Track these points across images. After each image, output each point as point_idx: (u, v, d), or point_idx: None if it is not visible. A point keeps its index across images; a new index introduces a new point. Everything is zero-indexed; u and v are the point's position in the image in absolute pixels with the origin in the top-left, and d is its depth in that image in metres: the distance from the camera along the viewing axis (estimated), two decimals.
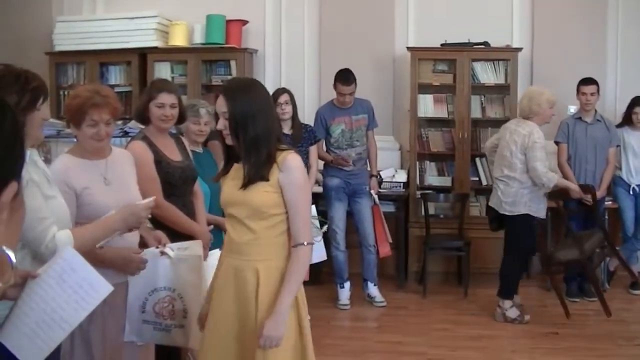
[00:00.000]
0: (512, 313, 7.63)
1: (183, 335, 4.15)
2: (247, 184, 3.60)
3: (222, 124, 3.65)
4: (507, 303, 7.67)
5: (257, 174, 3.58)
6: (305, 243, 3.61)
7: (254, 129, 3.56)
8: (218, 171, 6.50)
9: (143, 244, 4.19)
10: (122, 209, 3.67)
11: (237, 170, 3.72)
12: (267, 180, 3.57)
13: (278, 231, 3.65)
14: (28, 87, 3.21)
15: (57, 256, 2.82)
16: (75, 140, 4.13)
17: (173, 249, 4.11)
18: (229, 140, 3.67)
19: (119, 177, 4.09)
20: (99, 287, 2.83)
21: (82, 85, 4.06)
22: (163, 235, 4.36)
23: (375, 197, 8.60)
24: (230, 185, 3.73)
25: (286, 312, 3.54)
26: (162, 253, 4.11)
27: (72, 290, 2.74)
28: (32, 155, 3.18)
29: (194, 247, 4.22)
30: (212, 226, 5.66)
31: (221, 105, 3.64)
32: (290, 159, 3.60)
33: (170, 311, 4.09)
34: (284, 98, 7.63)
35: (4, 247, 1.06)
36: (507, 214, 7.62)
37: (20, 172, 1.12)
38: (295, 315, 3.64)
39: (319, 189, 8.46)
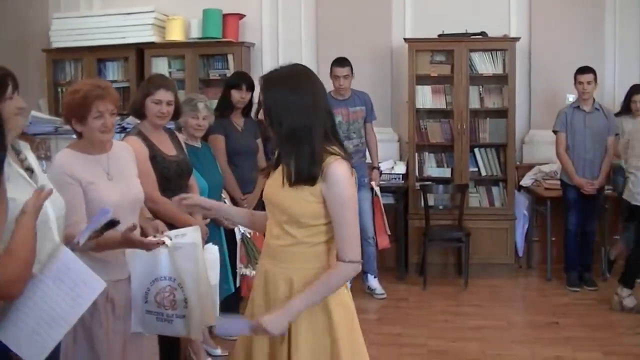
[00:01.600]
0: (630, 302, 7.59)
1: (184, 326, 4.12)
2: (287, 183, 3.29)
3: (262, 114, 3.44)
4: (626, 291, 7.63)
5: (299, 175, 3.26)
6: (347, 260, 3.28)
7: (289, 122, 3.23)
8: (218, 166, 6.56)
9: (142, 234, 4.18)
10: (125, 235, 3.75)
11: (279, 172, 3.42)
12: (312, 185, 3.25)
13: (317, 240, 3.34)
14: None
15: (53, 256, 2.83)
16: (74, 136, 4.10)
17: (171, 236, 4.06)
18: (269, 132, 3.42)
19: (121, 171, 4.10)
20: (93, 284, 2.85)
21: (79, 81, 4.03)
22: (161, 224, 4.37)
23: (376, 189, 8.61)
24: (273, 183, 3.44)
25: (294, 315, 3.26)
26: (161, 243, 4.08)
27: (68, 288, 2.77)
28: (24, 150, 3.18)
29: (192, 233, 4.14)
30: (208, 220, 5.67)
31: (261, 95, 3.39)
32: (335, 167, 3.23)
33: (171, 301, 4.06)
34: None
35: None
36: (638, 204, 7.60)
37: (2, 165, 1.10)
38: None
39: None
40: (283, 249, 3.38)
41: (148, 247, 3.88)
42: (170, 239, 3.99)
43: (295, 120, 3.22)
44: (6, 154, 1.02)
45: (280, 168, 3.40)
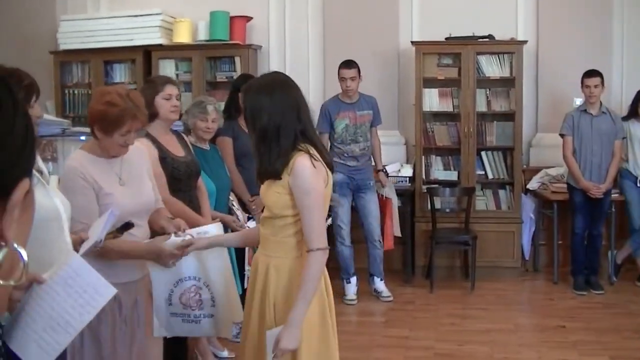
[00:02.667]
0: None
1: (213, 325, 4.12)
2: (259, 179, 3.71)
3: None
4: None
5: (266, 171, 3.62)
6: (315, 249, 3.53)
7: (261, 123, 3.56)
8: (226, 168, 6.57)
9: (163, 234, 4.19)
10: (153, 244, 3.88)
11: None
12: (279, 179, 3.57)
13: (290, 232, 3.64)
14: (21, 84, 3.19)
15: (63, 262, 2.84)
16: (82, 138, 4.12)
17: (193, 234, 4.07)
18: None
19: (133, 176, 4.10)
20: (103, 290, 2.84)
21: (108, 88, 3.98)
22: (183, 222, 4.37)
23: (387, 189, 8.61)
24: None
25: (300, 322, 3.48)
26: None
27: (77, 295, 2.77)
28: None
29: (214, 230, 4.16)
30: (218, 220, 5.67)
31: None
32: (298, 162, 3.54)
33: (197, 301, 4.06)
34: None
35: (16, 245, 1.05)
36: None
37: (32, 169, 1.12)
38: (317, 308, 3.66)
39: None
40: (266, 238, 3.73)
41: (174, 258, 3.93)
42: (193, 237, 4.00)
43: (265, 122, 3.56)
44: (35, 160, 1.05)
45: None
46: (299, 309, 3.48)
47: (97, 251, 3.50)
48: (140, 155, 4.29)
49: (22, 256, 1.10)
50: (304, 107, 3.68)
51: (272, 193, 3.61)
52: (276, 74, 3.92)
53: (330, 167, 3.76)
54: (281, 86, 3.68)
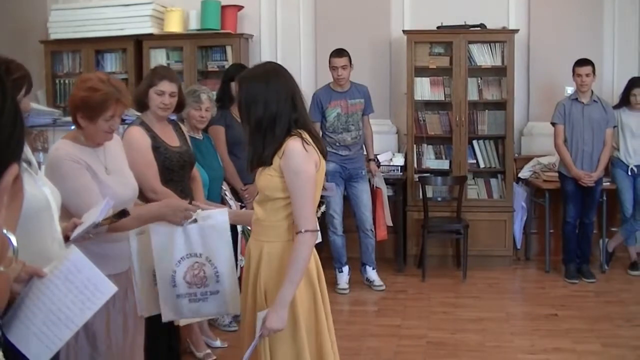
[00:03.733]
0: None
1: (221, 302, 4.05)
2: (251, 167, 3.76)
3: None
4: None
5: (258, 159, 3.66)
6: (303, 230, 3.55)
7: (257, 114, 3.61)
8: (219, 157, 6.57)
9: None
10: (165, 202, 3.96)
11: None
12: (270, 164, 3.61)
13: (281, 215, 3.66)
14: (10, 77, 3.12)
15: (63, 257, 2.83)
16: (72, 128, 4.08)
17: (197, 218, 4.04)
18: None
19: (117, 165, 4.09)
20: (104, 287, 2.84)
21: (89, 75, 3.96)
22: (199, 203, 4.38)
23: (377, 179, 8.62)
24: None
25: (287, 303, 3.54)
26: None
27: (78, 290, 2.77)
28: None
29: (219, 217, 4.09)
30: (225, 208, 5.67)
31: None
32: (289, 144, 3.58)
33: (202, 278, 3.97)
34: None
35: (5, 230, 1.05)
36: None
37: (20, 154, 1.12)
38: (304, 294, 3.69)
39: None
40: (257, 222, 3.76)
41: (179, 221, 3.91)
42: (196, 221, 3.97)
43: (261, 112, 3.61)
44: (24, 145, 1.06)
45: None
46: (286, 290, 3.53)
47: (103, 231, 3.48)
48: (118, 143, 4.26)
49: (11, 242, 1.13)
50: (298, 95, 3.71)
51: (264, 176, 3.64)
52: (269, 63, 3.95)
53: (324, 153, 3.77)
54: (275, 75, 3.70)
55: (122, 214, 3.51)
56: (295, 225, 3.60)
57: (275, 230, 3.69)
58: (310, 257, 3.67)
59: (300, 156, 3.57)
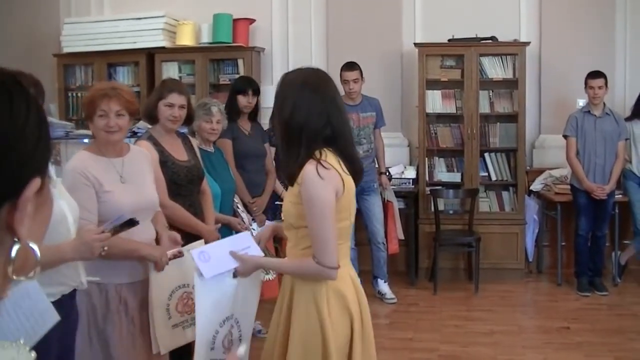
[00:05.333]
0: None
1: None
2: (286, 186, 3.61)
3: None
4: None
5: (285, 172, 3.51)
6: (315, 261, 3.32)
7: (284, 116, 3.40)
8: (229, 170, 6.57)
9: (157, 241, 4.24)
10: (76, 237, 3.47)
11: None
12: (291, 184, 3.43)
13: (304, 245, 3.42)
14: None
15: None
16: (84, 141, 4.17)
17: (184, 251, 4.12)
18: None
19: (135, 175, 4.13)
20: (47, 317, 2.74)
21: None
22: (178, 236, 4.39)
23: (388, 193, 8.62)
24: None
25: (259, 266, 3.67)
26: (177, 255, 4.11)
27: (24, 317, 2.69)
28: None
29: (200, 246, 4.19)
30: (219, 225, 5.67)
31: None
32: (305, 169, 3.33)
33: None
34: None
35: (29, 242, 1.07)
36: None
37: (46, 168, 1.13)
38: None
39: None
40: (288, 249, 3.58)
41: (160, 266, 3.97)
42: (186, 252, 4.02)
43: (287, 116, 3.38)
44: (50, 159, 1.10)
45: None
46: (269, 263, 3.86)
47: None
48: (144, 157, 4.33)
49: (35, 253, 1.13)
50: (336, 112, 3.44)
51: (287, 203, 3.48)
52: (316, 71, 3.62)
53: (357, 174, 3.53)
54: (314, 86, 3.44)
55: (130, 223, 3.52)
56: (313, 252, 3.35)
57: (300, 254, 3.47)
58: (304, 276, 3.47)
59: (313, 183, 3.29)
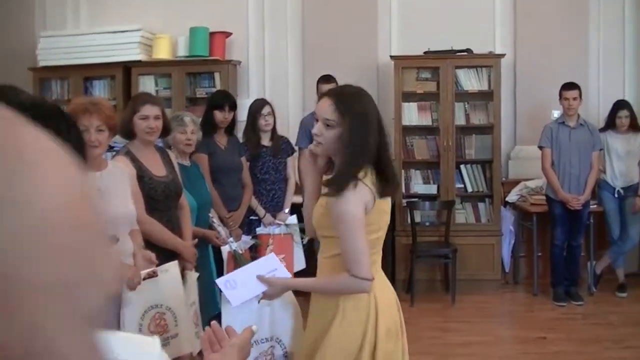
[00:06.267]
0: None
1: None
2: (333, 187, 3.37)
3: (319, 129, 3.42)
4: None
5: (333, 185, 3.35)
6: (350, 274, 3.29)
7: (355, 111, 3.38)
8: (205, 183, 6.57)
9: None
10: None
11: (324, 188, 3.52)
12: (333, 195, 3.33)
13: (332, 252, 3.43)
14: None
15: None
16: None
17: (158, 271, 4.15)
18: (319, 150, 3.46)
19: (113, 190, 4.13)
20: None
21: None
22: (152, 256, 4.40)
23: None
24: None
25: (284, 289, 3.58)
26: (151, 275, 4.14)
27: None
28: None
29: (173, 268, 4.25)
30: (196, 240, 5.68)
31: (323, 109, 3.42)
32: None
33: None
34: (267, 109, 7.52)
35: None
36: None
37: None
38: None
39: (300, 199, 8.41)
40: (319, 260, 3.56)
41: (132, 286, 4.00)
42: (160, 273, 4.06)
43: (360, 110, 3.39)
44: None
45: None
46: (299, 283, 3.65)
47: None
48: (121, 172, 4.34)
49: None
50: (384, 135, 3.49)
51: (317, 212, 3.47)
52: (360, 87, 3.60)
53: (395, 191, 3.61)
54: (376, 109, 3.53)
55: None
56: (346, 266, 3.33)
57: (337, 267, 3.40)
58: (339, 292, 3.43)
59: (343, 198, 3.28)
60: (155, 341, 1.53)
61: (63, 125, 1.45)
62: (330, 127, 3.37)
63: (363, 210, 3.33)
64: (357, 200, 3.31)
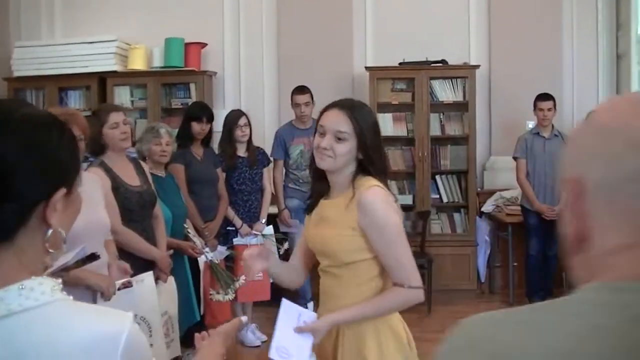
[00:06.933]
0: None
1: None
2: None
3: (328, 143, 3.27)
4: None
5: (369, 201, 3.20)
6: (406, 286, 3.21)
7: (377, 149, 3.30)
8: (182, 194, 6.56)
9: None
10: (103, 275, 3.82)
11: (326, 208, 3.35)
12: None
13: (363, 277, 3.27)
14: None
15: None
16: None
17: (133, 282, 4.16)
18: (327, 164, 3.29)
19: (86, 200, 4.11)
20: None
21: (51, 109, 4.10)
22: (127, 266, 4.41)
23: None
24: (311, 227, 3.40)
25: (329, 327, 3.19)
26: (126, 285, 4.15)
27: None
28: None
29: (148, 278, 4.26)
30: (172, 250, 5.68)
31: (335, 121, 3.32)
32: (367, 196, 3.19)
33: None
34: (243, 120, 7.51)
35: (59, 228, 1.63)
36: None
37: (73, 181, 1.66)
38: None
39: (275, 210, 8.42)
40: (330, 292, 3.36)
41: (107, 296, 4.01)
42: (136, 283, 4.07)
43: (381, 153, 3.32)
44: (79, 176, 1.76)
45: (320, 209, 3.37)
46: (344, 317, 3.21)
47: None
48: (94, 182, 4.32)
49: (62, 235, 1.65)
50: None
51: (336, 239, 3.25)
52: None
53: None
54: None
55: (92, 257, 3.55)
56: (397, 281, 3.23)
57: (361, 295, 3.25)
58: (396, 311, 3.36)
59: (385, 208, 3.21)
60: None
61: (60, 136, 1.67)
62: (342, 140, 3.25)
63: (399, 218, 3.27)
64: (393, 209, 3.25)
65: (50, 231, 1.61)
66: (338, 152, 3.24)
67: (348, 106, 3.36)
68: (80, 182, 1.72)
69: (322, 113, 3.47)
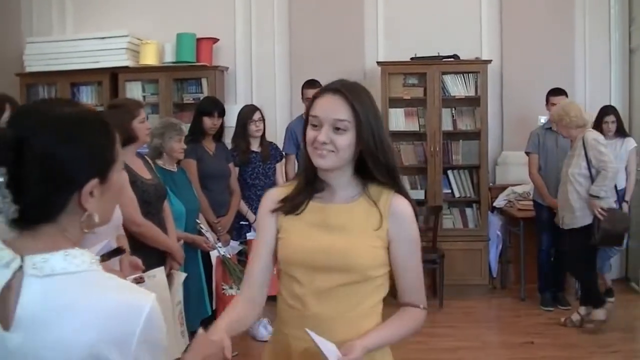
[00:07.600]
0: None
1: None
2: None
3: (327, 136, 2.69)
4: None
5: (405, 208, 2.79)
6: (421, 307, 2.87)
7: (388, 148, 2.78)
8: (194, 189, 6.57)
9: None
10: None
11: (332, 214, 2.77)
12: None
13: (376, 298, 2.83)
14: None
15: None
16: None
17: (145, 277, 4.16)
18: (330, 161, 2.71)
19: None
20: None
21: None
22: (139, 261, 4.41)
23: None
24: (309, 233, 2.76)
25: (363, 353, 2.61)
26: (138, 281, 4.14)
27: None
28: None
29: (160, 274, 4.27)
30: (182, 241, 5.72)
31: (332, 109, 2.73)
32: (401, 204, 2.76)
33: None
34: (258, 115, 7.51)
35: (93, 212, 1.83)
36: None
37: (104, 172, 1.83)
38: None
39: None
40: (331, 317, 2.76)
41: None
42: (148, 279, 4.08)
43: (389, 145, 2.82)
44: (114, 166, 1.91)
45: (310, 214, 2.79)
46: (373, 342, 2.70)
47: None
48: None
49: (94, 218, 1.84)
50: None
51: (362, 249, 2.70)
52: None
53: None
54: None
55: (116, 252, 3.56)
56: (413, 301, 2.86)
57: (367, 321, 2.80)
58: None
59: (415, 222, 2.79)
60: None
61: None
62: (341, 130, 2.68)
63: None
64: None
65: (86, 214, 1.82)
66: (340, 145, 2.67)
67: (346, 89, 2.75)
68: (119, 170, 1.91)
69: (312, 101, 2.85)
